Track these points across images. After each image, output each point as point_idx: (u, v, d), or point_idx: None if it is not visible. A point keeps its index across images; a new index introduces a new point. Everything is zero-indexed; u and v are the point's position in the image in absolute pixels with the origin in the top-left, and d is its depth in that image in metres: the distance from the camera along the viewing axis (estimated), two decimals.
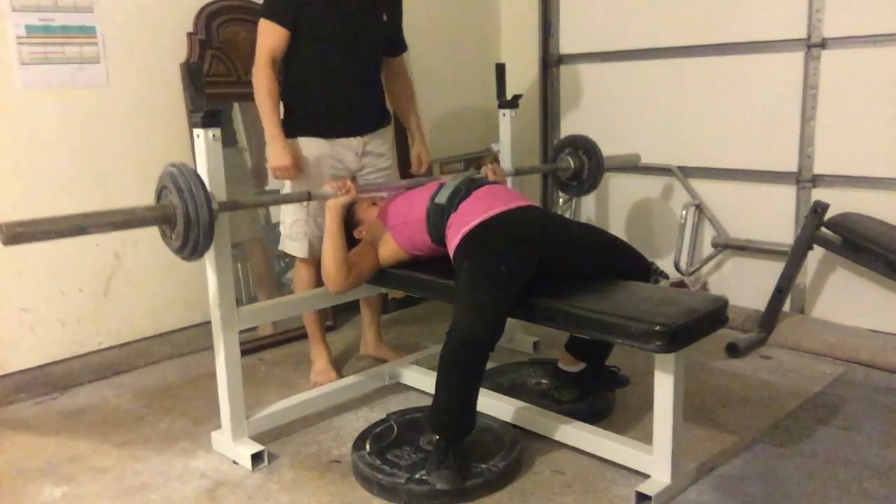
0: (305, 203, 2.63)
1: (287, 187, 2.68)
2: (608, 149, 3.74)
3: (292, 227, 2.72)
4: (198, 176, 2.00)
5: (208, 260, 2.23)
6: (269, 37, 2.55)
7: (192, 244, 1.98)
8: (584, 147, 3.09)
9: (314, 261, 2.75)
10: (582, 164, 3.09)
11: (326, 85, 2.64)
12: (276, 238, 2.85)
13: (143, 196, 3.04)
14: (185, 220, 1.93)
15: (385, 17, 2.73)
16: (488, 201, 2.31)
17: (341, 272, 2.38)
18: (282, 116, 2.68)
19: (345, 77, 2.65)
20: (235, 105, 3.30)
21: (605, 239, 2.44)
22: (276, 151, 2.56)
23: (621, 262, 2.33)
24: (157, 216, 1.98)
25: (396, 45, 2.86)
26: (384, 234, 2.51)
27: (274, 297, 3.19)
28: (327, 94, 2.65)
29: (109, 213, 1.95)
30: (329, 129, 2.65)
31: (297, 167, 2.60)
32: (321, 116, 2.66)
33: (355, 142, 2.72)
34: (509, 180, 2.96)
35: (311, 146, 2.65)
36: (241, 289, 3.30)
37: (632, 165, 3.42)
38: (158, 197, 2.04)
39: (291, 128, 2.65)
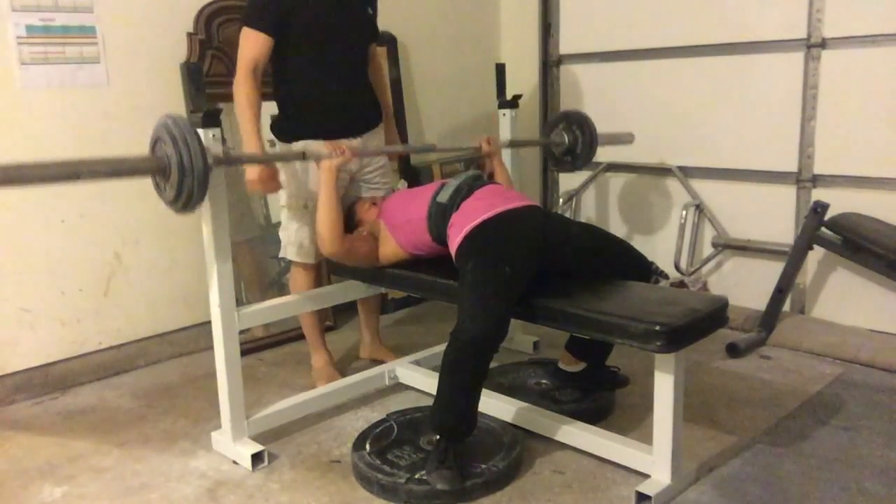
0: (308, 207, 2.63)
1: (283, 197, 2.67)
2: (609, 148, 3.73)
3: (297, 233, 2.71)
4: (193, 126, 1.97)
5: (208, 257, 2.23)
6: (251, 45, 2.46)
7: (186, 194, 1.94)
8: (577, 122, 3.11)
9: (314, 266, 2.76)
10: (576, 139, 3.10)
11: (322, 86, 2.61)
12: (270, 240, 2.80)
13: (142, 196, 3.06)
14: (180, 169, 1.89)
15: (370, 10, 2.72)
16: (490, 200, 2.31)
17: (335, 234, 2.43)
18: (280, 121, 2.67)
19: (340, 77, 2.63)
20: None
21: (606, 238, 2.45)
22: (251, 165, 2.48)
23: (621, 262, 2.33)
24: (151, 167, 1.96)
25: (375, 33, 2.83)
26: (385, 234, 2.52)
27: (269, 299, 3.17)
28: (324, 96, 2.63)
29: (103, 160, 1.96)
30: (328, 130, 2.62)
31: (274, 179, 2.53)
32: (320, 118, 2.63)
33: (354, 142, 2.71)
34: (507, 162, 2.95)
35: (311, 148, 2.63)
36: (242, 290, 3.30)
37: (625, 143, 3.40)
38: (153, 149, 2.00)
39: (290, 131, 2.64)
